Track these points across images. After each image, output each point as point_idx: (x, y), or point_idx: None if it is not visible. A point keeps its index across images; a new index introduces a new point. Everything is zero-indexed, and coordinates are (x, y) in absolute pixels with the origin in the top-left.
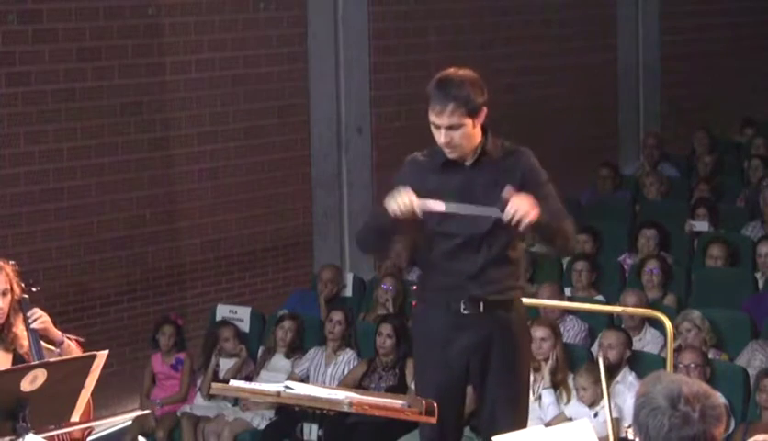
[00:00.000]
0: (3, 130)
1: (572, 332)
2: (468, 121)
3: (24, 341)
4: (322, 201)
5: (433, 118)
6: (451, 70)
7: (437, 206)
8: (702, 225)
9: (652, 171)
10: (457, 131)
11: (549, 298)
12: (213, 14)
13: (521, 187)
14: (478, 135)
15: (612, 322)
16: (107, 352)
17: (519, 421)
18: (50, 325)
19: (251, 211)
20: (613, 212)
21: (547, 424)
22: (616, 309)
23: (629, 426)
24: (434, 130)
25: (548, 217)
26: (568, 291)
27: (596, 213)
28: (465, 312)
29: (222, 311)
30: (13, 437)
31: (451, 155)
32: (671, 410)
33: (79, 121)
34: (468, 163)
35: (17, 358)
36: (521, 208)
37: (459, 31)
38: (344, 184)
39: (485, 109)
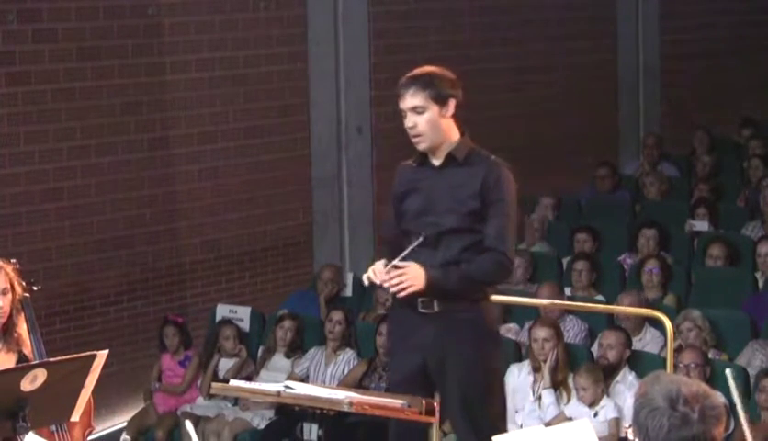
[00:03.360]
0: (3, 130)
1: (572, 332)
2: (434, 107)
3: (28, 341)
4: (322, 201)
5: (400, 105)
6: (426, 67)
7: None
8: (702, 225)
9: (652, 171)
10: (420, 116)
11: (549, 298)
12: (213, 14)
13: (479, 196)
14: (449, 130)
15: (612, 321)
16: (107, 352)
17: (481, 420)
18: None
19: (251, 211)
20: (613, 212)
21: (547, 424)
22: (616, 309)
23: (629, 426)
24: (403, 120)
25: (443, 280)
26: (568, 291)
27: (596, 213)
28: (422, 311)
29: (222, 311)
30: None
31: (420, 146)
32: (670, 410)
33: (79, 121)
34: (436, 164)
35: (22, 359)
36: (402, 280)
37: (459, 31)
38: (344, 184)
39: (454, 101)
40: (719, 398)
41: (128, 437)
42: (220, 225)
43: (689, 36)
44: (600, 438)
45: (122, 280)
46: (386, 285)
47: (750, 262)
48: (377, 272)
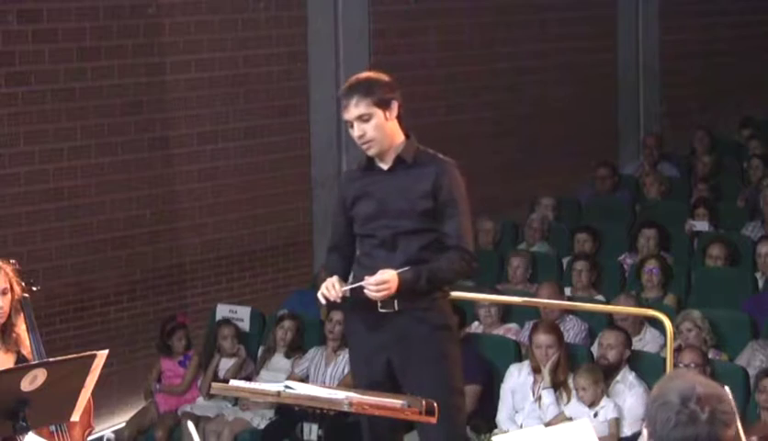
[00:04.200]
0: (3, 130)
1: (572, 332)
2: (378, 112)
3: (27, 342)
4: (322, 201)
5: (344, 116)
6: (361, 74)
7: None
8: (702, 225)
9: (652, 171)
10: (367, 123)
11: (549, 297)
12: (213, 14)
13: (431, 195)
14: (395, 133)
15: (612, 321)
16: (107, 352)
17: (450, 415)
18: None
19: (251, 211)
20: (613, 212)
21: (547, 424)
22: (616, 309)
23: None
24: (350, 130)
25: (415, 280)
26: (568, 291)
27: (596, 213)
28: (382, 310)
29: (222, 311)
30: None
31: (370, 151)
32: (680, 406)
33: (79, 121)
34: (385, 168)
35: (21, 359)
36: (372, 290)
37: (459, 31)
38: None
39: (396, 103)
40: (732, 403)
41: (111, 436)
42: (220, 225)
43: (689, 36)
44: (600, 438)
45: (122, 280)
46: (373, 296)
47: (750, 262)
48: (330, 290)
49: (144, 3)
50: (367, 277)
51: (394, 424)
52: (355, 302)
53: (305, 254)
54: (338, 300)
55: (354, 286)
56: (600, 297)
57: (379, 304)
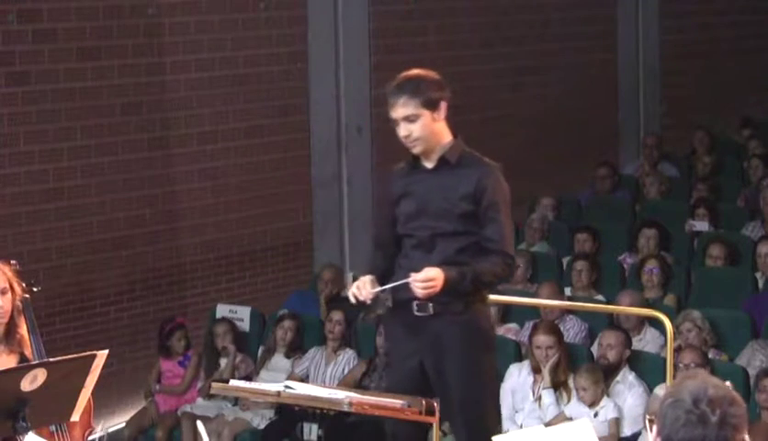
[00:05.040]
0: (3, 130)
1: (572, 331)
2: (426, 113)
3: (29, 343)
4: (322, 201)
5: (390, 114)
6: (412, 71)
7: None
8: (702, 225)
9: (652, 171)
10: (414, 123)
11: (549, 297)
12: (213, 14)
13: (472, 198)
14: (442, 133)
15: (612, 321)
16: (107, 352)
17: (481, 419)
18: None
19: (251, 211)
20: (613, 212)
21: (548, 424)
22: (616, 308)
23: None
24: (396, 129)
25: (459, 281)
26: (568, 291)
27: (596, 213)
28: (417, 314)
29: (222, 311)
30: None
31: (414, 149)
32: (691, 406)
33: (79, 121)
34: (429, 167)
35: (23, 361)
36: (419, 286)
37: (459, 31)
38: (344, 184)
39: (444, 104)
40: (744, 407)
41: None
42: (220, 225)
43: (689, 36)
44: (600, 438)
45: (122, 280)
46: (419, 293)
47: (750, 262)
48: (361, 289)
49: (144, 3)
50: (412, 274)
51: (418, 433)
52: (393, 305)
53: (305, 254)
54: (368, 301)
55: (397, 284)
56: (600, 297)
57: (415, 307)
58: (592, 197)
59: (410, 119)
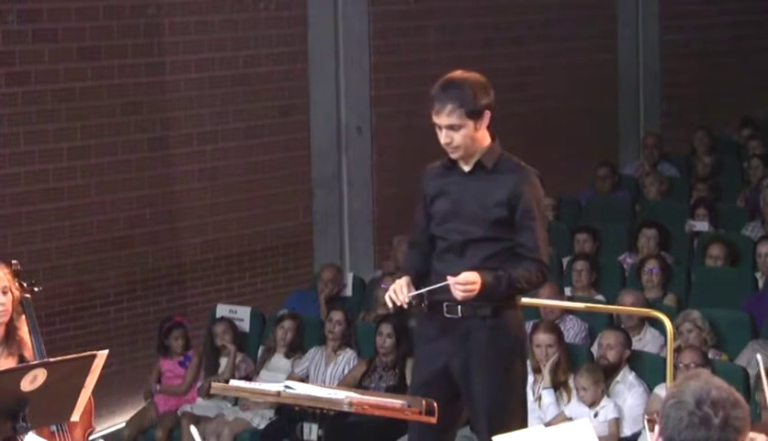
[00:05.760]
0: (3, 130)
1: (572, 331)
2: (469, 123)
3: (30, 344)
4: (322, 201)
5: (434, 118)
6: (457, 72)
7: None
8: (702, 225)
9: (652, 171)
10: (457, 132)
11: (549, 297)
12: (213, 14)
13: (506, 205)
14: (483, 139)
15: (612, 321)
16: (107, 352)
17: (506, 425)
18: None
19: (251, 211)
20: (613, 212)
21: (548, 424)
22: (616, 308)
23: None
24: (437, 131)
25: (496, 286)
26: (568, 291)
27: (596, 213)
28: (447, 316)
29: (222, 311)
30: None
31: (453, 155)
32: (694, 407)
33: (79, 121)
34: (466, 170)
35: (23, 362)
36: (459, 288)
37: (459, 31)
38: (344, 184)
39: (488, 112)
40: (747, 409)
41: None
42: (220, 225)
43: (689, 36)
44: (600, 438)
45: (122, 280)
46: (459, 295)
47: (750, 262)
48: (399, 293)
49: (144, 3)
50: (449, 277)
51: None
52: (429, 302)
53: (305, 254)
54: (404, 306)
55: (436, 286)
56: (600, 297)
57: (445, 309)
58: (592, 198)
59: (453, 128)
